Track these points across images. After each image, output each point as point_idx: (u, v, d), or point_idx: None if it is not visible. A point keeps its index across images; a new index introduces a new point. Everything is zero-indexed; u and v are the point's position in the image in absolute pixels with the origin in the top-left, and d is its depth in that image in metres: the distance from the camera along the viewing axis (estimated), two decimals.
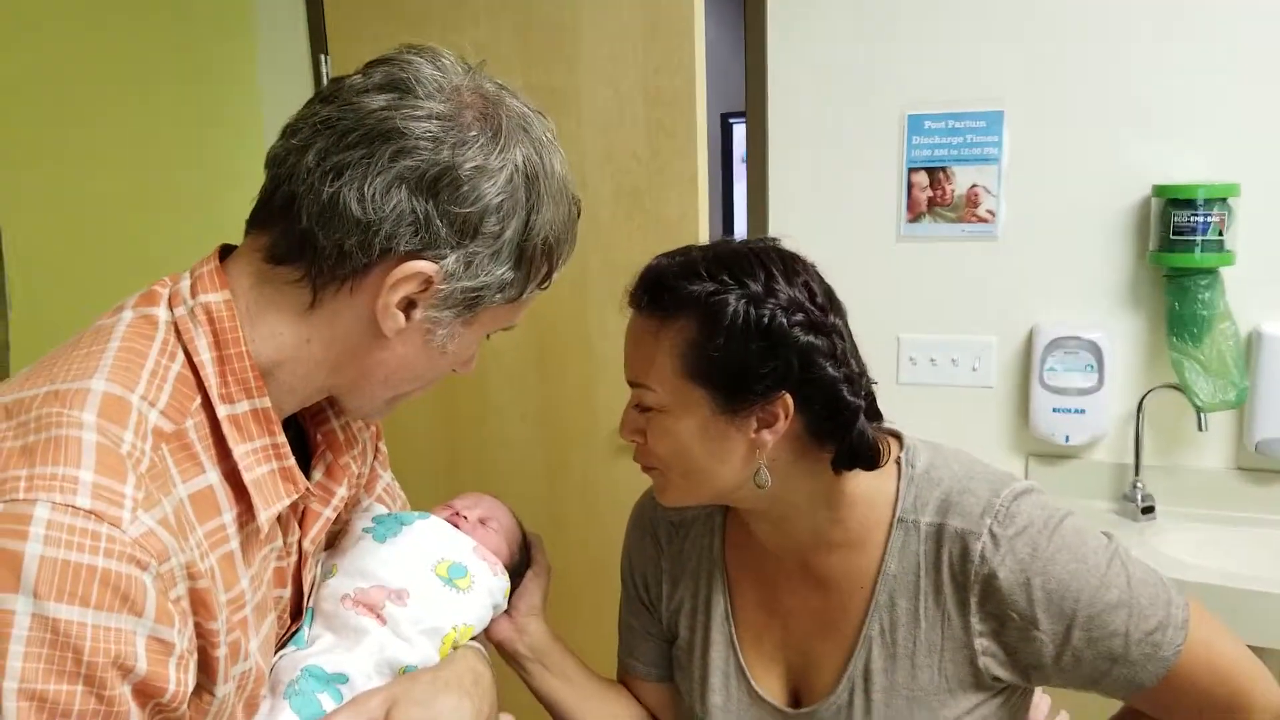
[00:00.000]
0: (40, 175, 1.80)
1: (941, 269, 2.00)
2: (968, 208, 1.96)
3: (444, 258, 0.76)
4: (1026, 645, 0.93)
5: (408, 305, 0.78)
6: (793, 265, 0.93)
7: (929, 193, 1.98)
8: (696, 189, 2.02)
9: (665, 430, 0.93)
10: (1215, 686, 0.93)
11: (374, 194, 0.73)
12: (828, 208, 2.06)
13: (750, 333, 0.88)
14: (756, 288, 0.89)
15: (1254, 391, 1.81)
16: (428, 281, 0.77)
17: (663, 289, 0.91)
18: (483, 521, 1.03)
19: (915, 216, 2.00)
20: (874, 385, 0.96)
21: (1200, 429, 1.81)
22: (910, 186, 1.99)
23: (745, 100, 2.09)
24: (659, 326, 0.91)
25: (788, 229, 2.11)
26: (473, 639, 0.96)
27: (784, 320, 0.89)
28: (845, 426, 0.91)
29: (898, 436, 1.02)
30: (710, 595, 1.07)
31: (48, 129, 1.82)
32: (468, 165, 0.75)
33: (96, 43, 1.91)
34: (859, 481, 0.96)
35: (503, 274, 0.79)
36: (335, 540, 0.96)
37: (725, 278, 0.89)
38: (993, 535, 0.92)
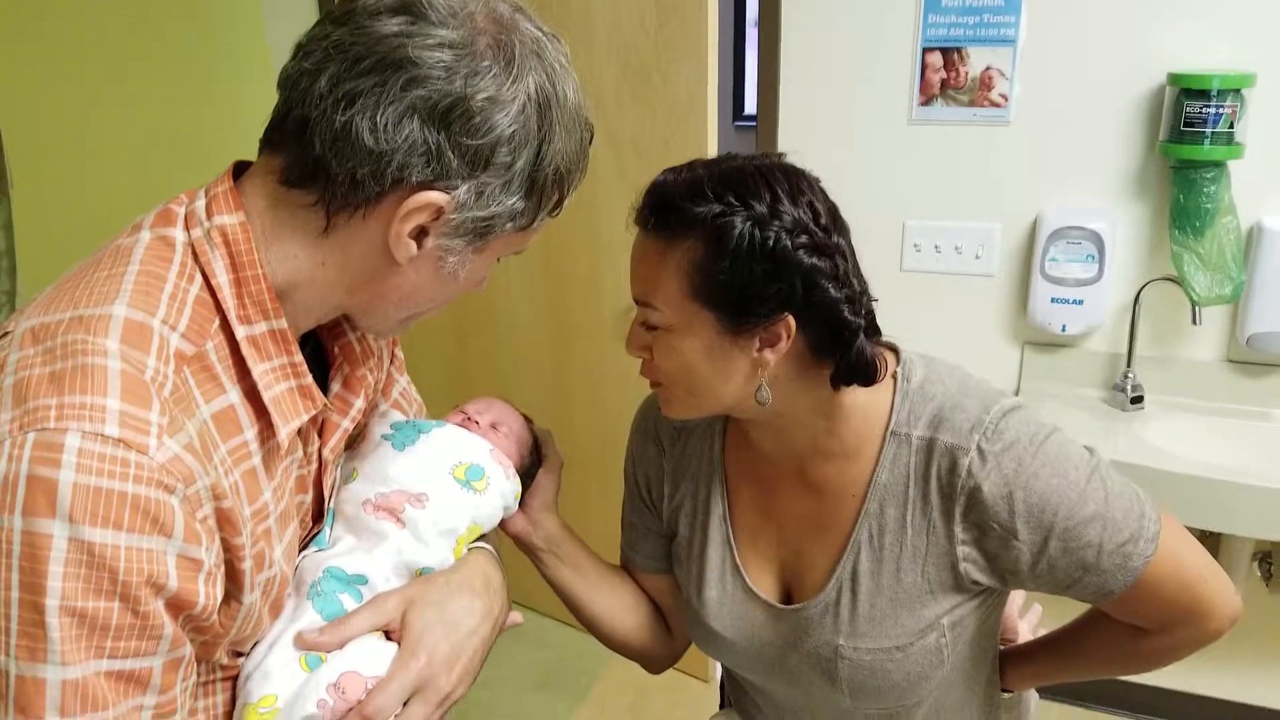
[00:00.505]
0: (39, 71, 1.77)
1: (951, 154, 1.98)
2: (981, 91, 1.93)
3: (455, 188, 0.77)
4: (1005, 553, 0.97)
5: (420, 234, 0.79)
6: (798, 184, 0.93)
7: (942, 74, 1.94)
8: (706, 65, 1.97)
9: (671, 349, 0.95)
10: (1179, 594, 0.99)
11: (386, 124, 0.73)
12: (839, 90, 2.02)
13: (755, 256, 0.89)
14: (762, 209, 0.90)
15: (1250, 286, 1.82)
16: (439, 211, 0.77)
17: (669, 209, 0.92)
18: (494, 426, 1.06)
19: (927, 100, 1.96)
20: (874, 302, 0.98)
21: (1194, 322, 1.82)
22: (924, 68, 1.95)
23: None
24: (665, 247, 0.92)
25: (797, 107, 2.07)
26: (483, 539, 1.01)
27: (788, 243, 0.89)
28: (845, 345, 0.94)
29: (894, 350, 1.05)
30: (709, 497, 1.11)
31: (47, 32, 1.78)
32: (480, 96, 0.75)
33: None
34: (856, 396, 0.99)
35: (514, 203, 0.80)
36: (354, 444, 0.99)
37: (731, 199, 0.90)
38: (980, 451, 0.95)
